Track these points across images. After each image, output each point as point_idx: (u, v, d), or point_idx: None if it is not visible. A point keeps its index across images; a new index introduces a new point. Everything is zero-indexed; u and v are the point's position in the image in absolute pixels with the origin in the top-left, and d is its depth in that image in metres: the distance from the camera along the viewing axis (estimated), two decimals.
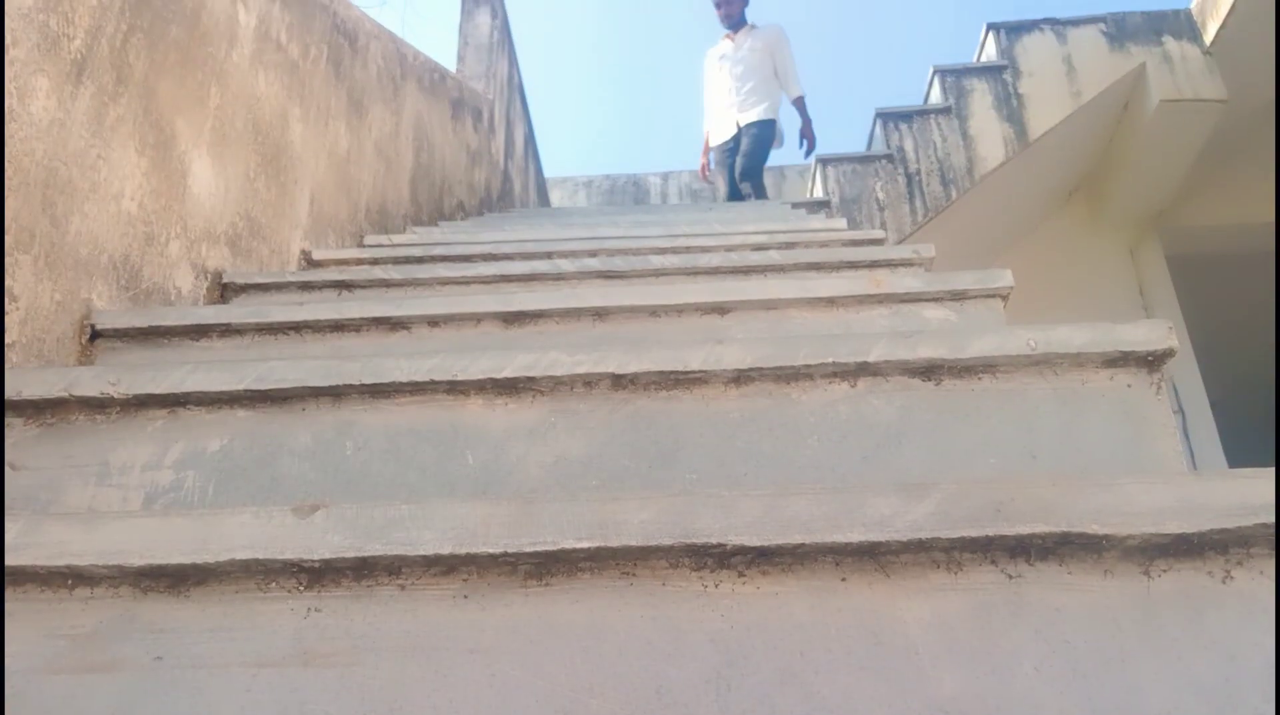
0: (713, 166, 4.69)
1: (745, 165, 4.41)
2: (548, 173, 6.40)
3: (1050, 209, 4.94)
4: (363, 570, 0.50)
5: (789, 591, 0.49)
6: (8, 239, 1.07)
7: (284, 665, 0.49)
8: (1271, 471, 0.48)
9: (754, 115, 4.44)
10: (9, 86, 1.09)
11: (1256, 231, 4.88)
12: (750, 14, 4.67)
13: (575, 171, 7.20)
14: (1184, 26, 4.28)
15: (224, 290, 1.57)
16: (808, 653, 0.46)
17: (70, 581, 0.51)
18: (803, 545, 0.49)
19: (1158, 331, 0.82)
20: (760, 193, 4.42)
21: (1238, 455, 4.42)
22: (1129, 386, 0.83)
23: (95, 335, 1.23)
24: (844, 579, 0.49)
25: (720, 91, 4.59)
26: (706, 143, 4.74)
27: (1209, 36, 4.13)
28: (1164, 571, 0.47)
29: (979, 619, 0.46)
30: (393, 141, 2.61)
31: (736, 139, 4.48)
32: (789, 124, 4.75)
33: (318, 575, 0.51)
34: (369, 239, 2.28)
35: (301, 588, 0.51)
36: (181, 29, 1.50)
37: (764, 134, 4.44)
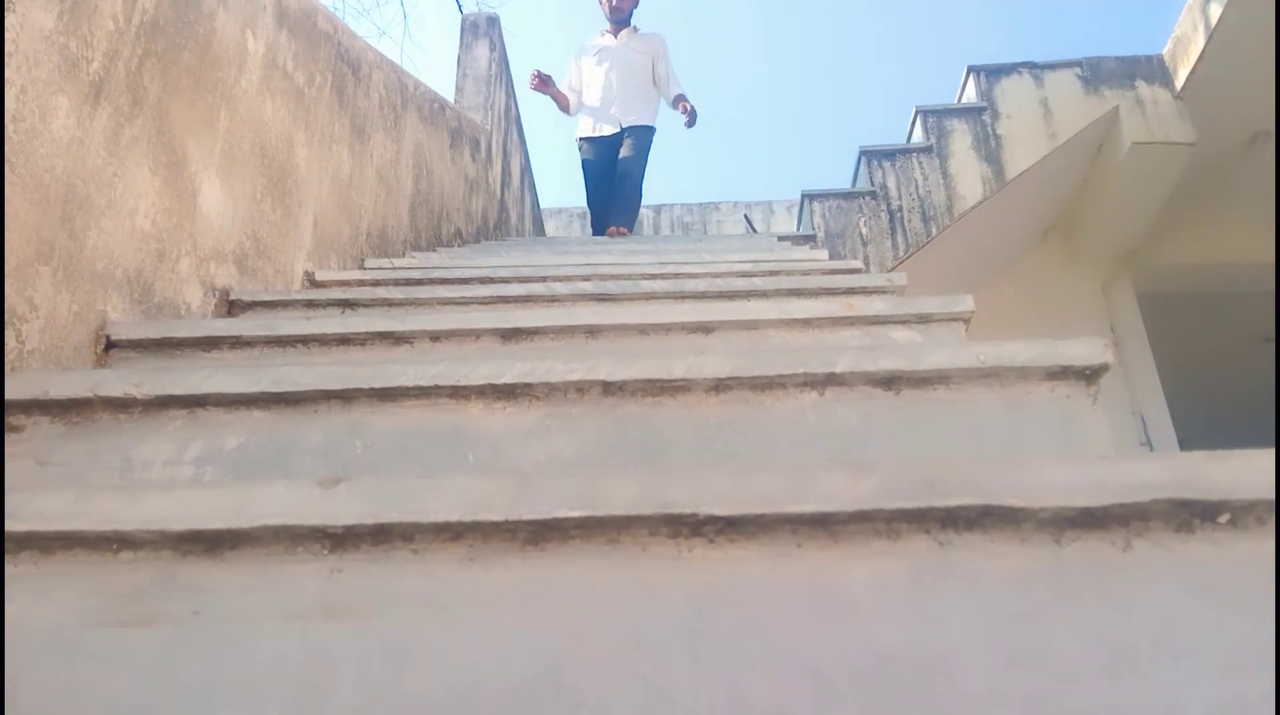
0: (586, 162, 4.66)
1: (630, 162, 4.49)
2: (543, 203, 6.50)
3: (1026, 246, 5.08)
4: (380, 536, 0.57)
5: (752, 556, 0.56)
6: (28, 250, 1.14)
7: (310, 618, 0.56)
8: (1168, 455, 0.56)
9: (637, 119, 4.56)
10: (32, 105, 1.16)
11: (1224, 271, 5.03)
12: (636, 18, 4.77)
13: (571, 203, 7.31)
14: (1156, 71, 4.44)
15: (231, 307, 1.64)
16: (767, 607, 0.53)
17: (116, 546, 0.58)
18: (764, 515, 0.56)
19: (1094, 348, 0.91)
20: (638, 193, 4.55)
21: None
22: (1068, 397, 0.91)
23: (110, 345, 1.29)
24: (799, 545, 0.56)
25: (597, 86, 4.62)
26: (561, 97, 4.68)
27: (1180, 81, 4.29)
28: (1073, 540, 0.55)
29: (914, 580, 0.54)
30: (393, 168, 2.70)
31: (618, 138, 4.55)
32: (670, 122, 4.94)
33: (340, 540, 0.58)
34: (370, 262, 2.36)
35: (326, 551, 0.58)
36: (193, 55, 1.58)
37: (647, 139, 4.58)
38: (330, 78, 2.19)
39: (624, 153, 4.53)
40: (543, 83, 4.53)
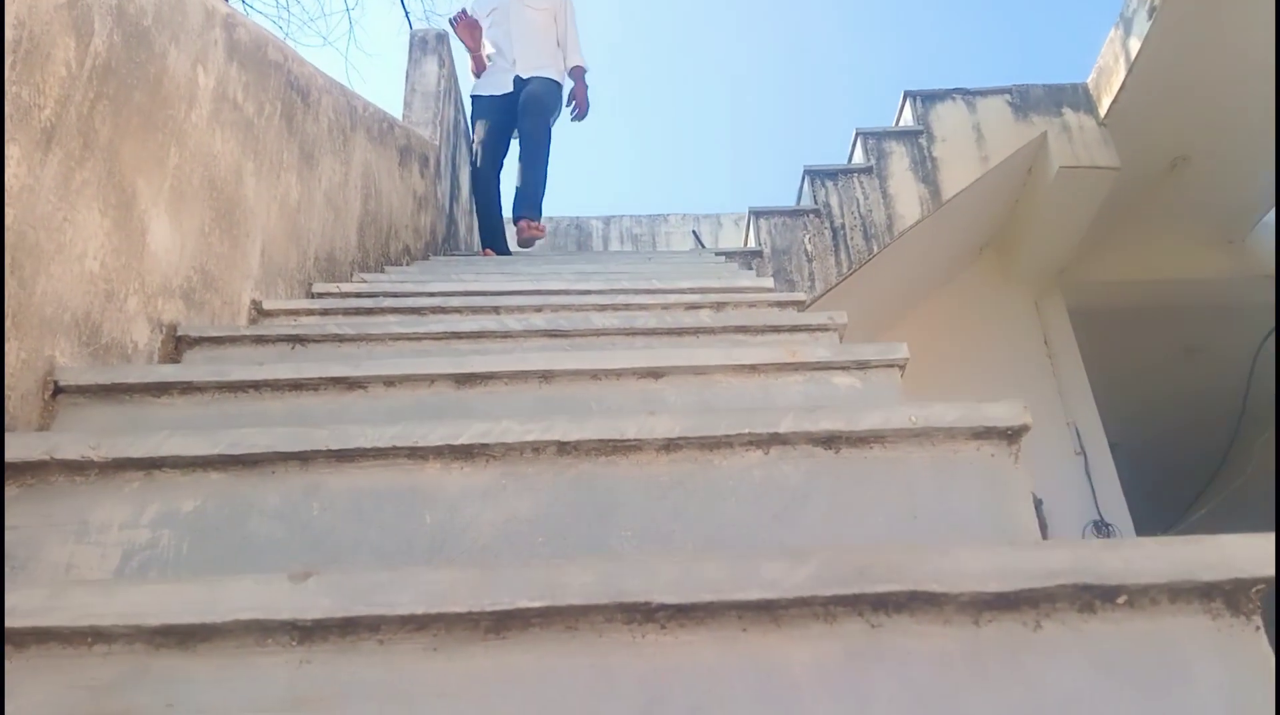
0: (480, 120, 4.15)
1: (531, 109, 3.97)
2: None
3: (963, 263, 5.24)
4: (348, 628, 0.60)
5: (701, 640, 0.60)
6: None
7: (279, 710, 0.58)
8: (1071, 542, 0.62)
9: (541, 71, 4.08)
10: None
11: (1150, 287, 5.27)
12: None
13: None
14: (1081, 99, 4.64)
15: (178, 343, 1.64)
16: (714, 690, 0.58)
17: (91, 639, 0.60)
18: (712, 602, 0.60)
19: (1014, 410, 0.97)
20: (543, 167, 4.03)
21: (1135, 493, 4.73)
22: (992, 456, 0.98)
23: (58, 391, 1.29)
24: (744, 629, 0.61)
25: (494, 40, 4.18)
26: (475, 61, 4.25)
27: (1103, 109, 4.49)
28: (989, 621, 0.60)
29: (848, 661, 0.59)
30: (341, 190, 2.70)
31: (515, 94, 4.04)
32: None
33: (309, 632, 0.61)
34: (317, 287, 2.36)
35: (295, 643, 0.60)
36: (144, 94, 1.58)
37: (552, 97, 4.08)
38: (280, 106, 2.19)
39: (526, 99, 3.98)
40: (469, 30, 4.13)
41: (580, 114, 4.19)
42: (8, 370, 1.20)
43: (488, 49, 4.18)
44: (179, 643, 0.60)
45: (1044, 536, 3.66)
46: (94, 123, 1.42)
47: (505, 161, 4.21)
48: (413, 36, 4.49)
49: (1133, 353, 5.61)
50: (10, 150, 1.22)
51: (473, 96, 4.24)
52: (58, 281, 1.32)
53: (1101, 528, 4.48)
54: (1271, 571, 0.62)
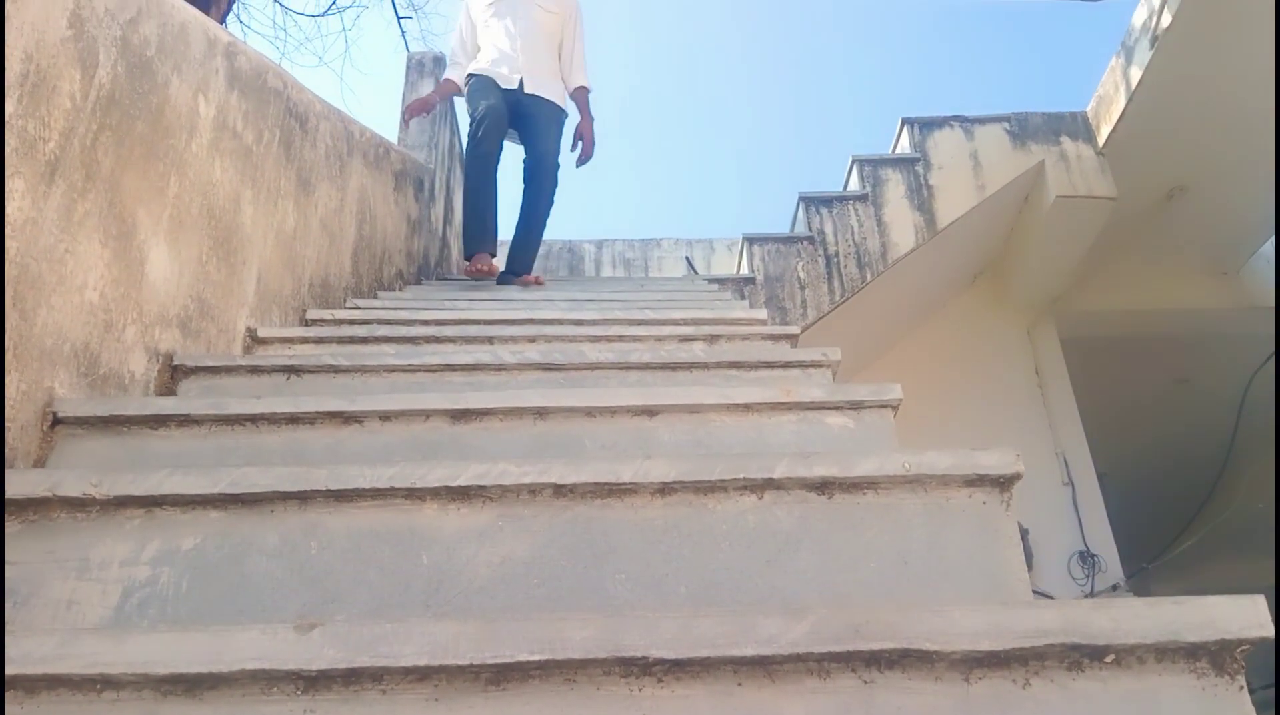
0: (479, 91, 3.65)
1: (546, 152, 3.64)
2: None
3: (957, 290, 5.28)
4: (351, 678, 0.61)
5: (697, 695, 0.62)
6: None
7: None
8: (1061, 602, 0.63)
9: (547, 91, 3.69)
10: None
11: (1143, 317, 5.30)
12: None
13: (511, 235, 7.26)
14: (1080, 128, 4.67)
15: (174, 372, 1.65)
16: None
17: (100, 686, 0.61)
18: (709, 658, 0.62)
19: (1007, 457, 0.99)
20: (551, 202, 3.71)
21: (1122, 523, 4.74)
22: (984, 503, 0.99)
23: (57, 422, 1.30)
24: (740, 684, 0.62)
25: (494, 39, 3.74)
26: (444, 88, 3.89)
27: (1102, 138, 4.52)
28: (980, 679, 0.62)
29: None
30: (337, 216, 2.71)
31: (519, 101, 3.63)
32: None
33: (313, 682, 0.62)
34: (311, 313, 2.37)
35: (299, 692, 0.61)
36: (146, 125, 1.59)
37: (559, 126, 3.73)
38: (279, 133, 2.21)
39: (533, 141, 3.64)
40: (422, 105, 3.82)
41: (586, 158, 3.80)
42: (8, 401, 1.21)
43: (487, 45, 3.75)
44: (186, 690, 0.61)
45: (1030, 568, 3.66)
46: (97, 154, 1.43)
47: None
48: (409, 60, 4.53)
49: (1123, 383, 5.64)
50: (15, 184, 1.23)
51: (471, 74, 3.73)
52: (58, 313, 1.33)
53: (1087, 558, 4.49)
54: (1256, 634, 0.63)
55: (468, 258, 3.63)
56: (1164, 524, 6.26)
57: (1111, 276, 5.25)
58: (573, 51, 3.84)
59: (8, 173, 1.21)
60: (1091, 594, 4.33)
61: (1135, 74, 4.21)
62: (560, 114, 3.75)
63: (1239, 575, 6.16)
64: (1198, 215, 4.90)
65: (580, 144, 3.79)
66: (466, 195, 3.73)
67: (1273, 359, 5.02)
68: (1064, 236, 4.67)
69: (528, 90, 3.66)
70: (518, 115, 3.66)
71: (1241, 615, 0.67)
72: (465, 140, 3.91)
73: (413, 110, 3.85)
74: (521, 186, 3.73)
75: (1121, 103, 4.31)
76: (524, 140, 3.74)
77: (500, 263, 3.69)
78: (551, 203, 3.72)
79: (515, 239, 3.70)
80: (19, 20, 1.23)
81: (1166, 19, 3.91)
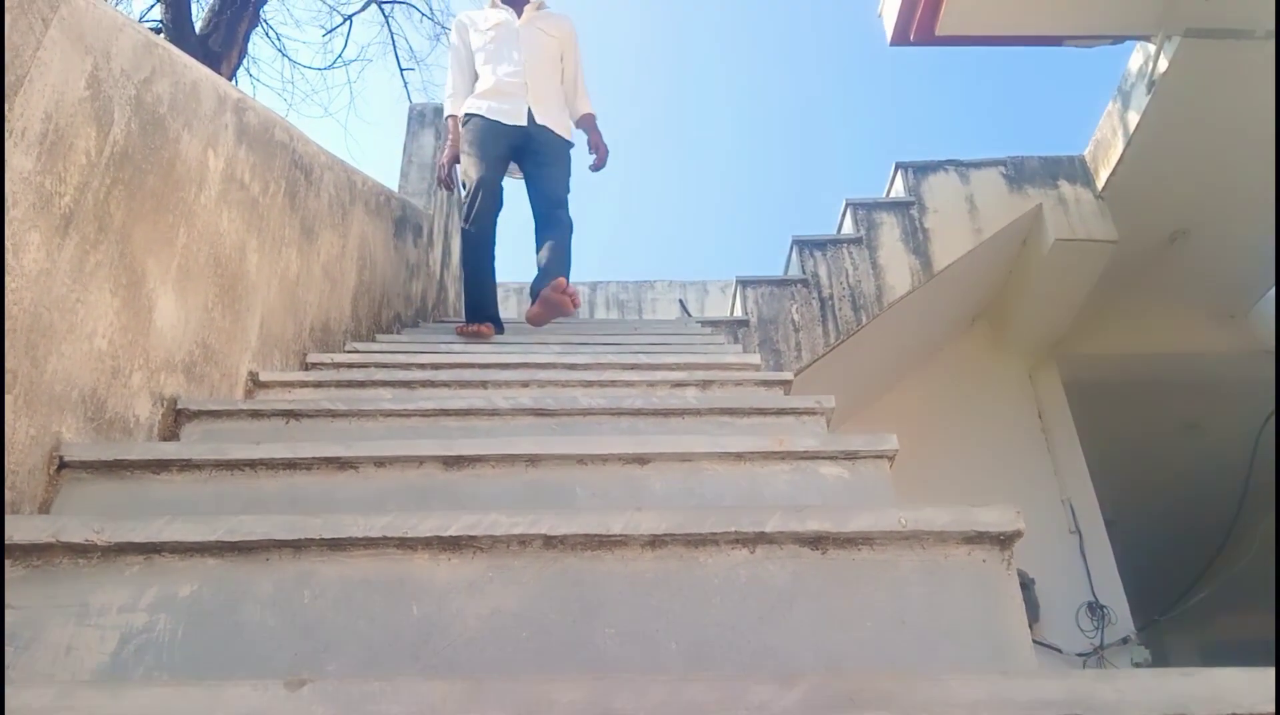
0: (476, 147, 3.32)
1: (559, 197, 3.40)
2: None
3: (955, 333, 5.28)
4: None
5: None
6: None
7: None
8: (1063, 673, 0.64)
9: (554, 124, 3.42)
10: (7, 243, 1.21)
11: (1148, 361, 5.26)
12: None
13: (506, 277, 7.29)
14: (1078, 172, 4.70)
15: (178, 416, 1.67)
16: None
17: None
18: None
19: (1007, 515, 1.00)
20: (571, 223, 3.41)
21: (1131, 573, 4.67)
22: (984, 561, 1.00)
23: (62, 466, 1.32)
24: None
25: (495, 67, 3.43)
26: (454, 130, 3.48)
27: (1101, 182, 4.54)
28: None
29: None
30: (339, 262, 2.75)
31: (526, 138, 3.36)
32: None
33: None
34: (311, 357, 2.39)
35: None
36: (158, 178, 1.63)
37: (568, 162, 3.50)
38: (284, 184, 2.25)
39: (542, 183, 3.38)
40: (449, 162, 3.48)
41: (600, 163, 3.61)
42: (18, 446, 1.23)
43: (486, 74, 3.45)
44: None
45: (1036, 619, 3.58)
46: (109, 207, 1.47)
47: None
48: (411, 110, 4.61)
49: (1131, 428, 5.56)
50: (31, 237, 1.26)
51: (468, 115, 3.39)
52: (68, 360, 1.35)
53: (1095, 610, 4.38)
54: (1266, 709, 0.64)
55: (470, 322, 3.25)
56: (1176, 574, 6.14)
57: (1115, 319, 5.23)
58: (575, 76, 3.62)
59: (25, 226, 1.24)
60: (1101, 647, 4.24)
61: (1133, 118, 4.24)
62: (568, 150, 3.51)
63: (1254, 628, 6.05)
64: (1201, 258, 4.88)
65: (596, 153, 3.61)
66: (464, 268, 3.38)
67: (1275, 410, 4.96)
68: (1064, 279, 4.67)
69: (539, 122, 3.38)
70: (526, 151, 3.38)
71: (1252, 690, 0.67)
72: (461, 197, 3.52)
73: (445, 183, 3.56)
74: (535, 228, 3.39)
75: (1120, 147, 4.34)
76: (532, 178, 3.41)
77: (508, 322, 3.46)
78: (571, 242, 3.40)
79: (544, 266, 3.26)
80: (41, 83, 1.27)
81: (1163, 64, 3.95)
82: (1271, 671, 0.70)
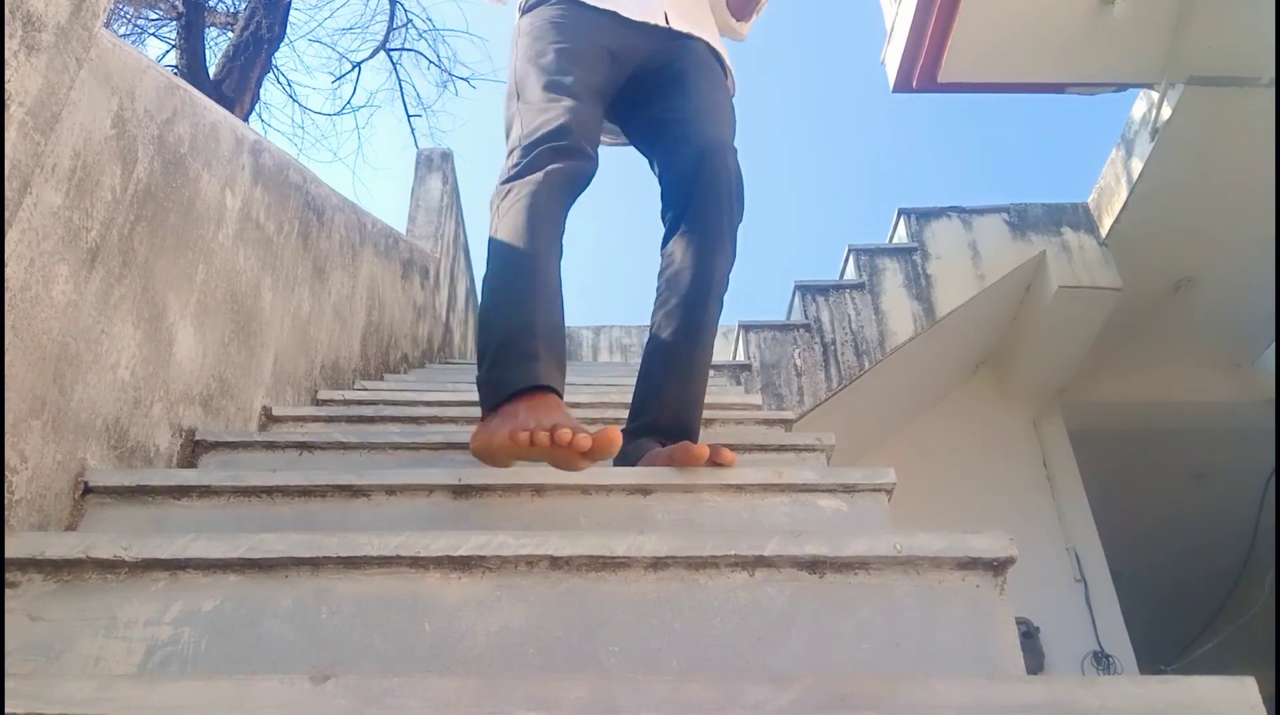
0: (553, 57, 1.66)
1: (720, 142, 1.67)
2: None
3: (957, 380, 5.29)
4: None
5: None
6: (23, 407, 1.22)
7: None
8: (1047, 678, 0.68)
9: (705, 31, 1.86)
10: (38, 275, 1.27)
11: (1154, 409, 5.24)
12: None
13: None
14: (1081, 219, 4.74)
15: (196, 447, 1.72)
16: None
17: None
18: None
19: (1000, 542, 1.04)
20: (743, 204, 1.69)
21: (1138, 623, 4.63)
22: (977, 586, 1.04)
23: (87, 491, 1.36)
24: None
25: None
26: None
27: (1104, 229, 4.56)
28: None
29: None
30: (348, 302, 2.82)
31: (659, 50, 1.78)
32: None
33: None
34: (322, 394, 2.45)
35: None
36: (178, 216, 1.70)
37: (729, 92, 1.86)
38: (298, 224, 2.33)
39: (689, 128, 1.68)
40: None
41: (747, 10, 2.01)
42: (45, 470, 1.27)
43: None
44: None
45: (1041, 668, 3.55)
46: (133, 243, 1.53)
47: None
48: (419, 155, 4.74)
49: (1137, 476, 5.51)
50: (59, 269, 1.32)
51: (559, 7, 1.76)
52: (93, 389, 1.41)
53: (1101, 659, 4.35)
54: None
55: (494, 403, 1.49)
56: (1182, 625, 6.07)
57: (1121, 367, 5.21)
58: None
59: (54, 259, 1.31)
60: None
61: (1136, 166, 4.27)
62: (725, 75, 1.87)
63: (1262, 682, 5.95)
64: (1207, 307, 4.89)
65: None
66: (500, 272, 1.58)
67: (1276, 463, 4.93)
68: (1068, 327, 4.68)
69: (677, 26, 1.81)
70: (654, 83, 1.78)
71: (1230, 697, 0.69)
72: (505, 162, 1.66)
73: None
74: (665, 228, 1.72)
75: (1123, 194, 4.37)
76: (661, 128, 1.75)
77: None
78: (734, 258, 1.71)
79: (666, 355, 1.69)
80: (70, 122, 1.34)
81: (1166, 112, 3.99)
82: (1249, 679, 0.73)
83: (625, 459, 1.52)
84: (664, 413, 1.66)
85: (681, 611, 1.03)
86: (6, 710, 0.66)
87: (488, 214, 1.63)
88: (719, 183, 1.64)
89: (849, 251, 4.74)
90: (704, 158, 1.64)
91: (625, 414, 2.13)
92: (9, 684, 0.68)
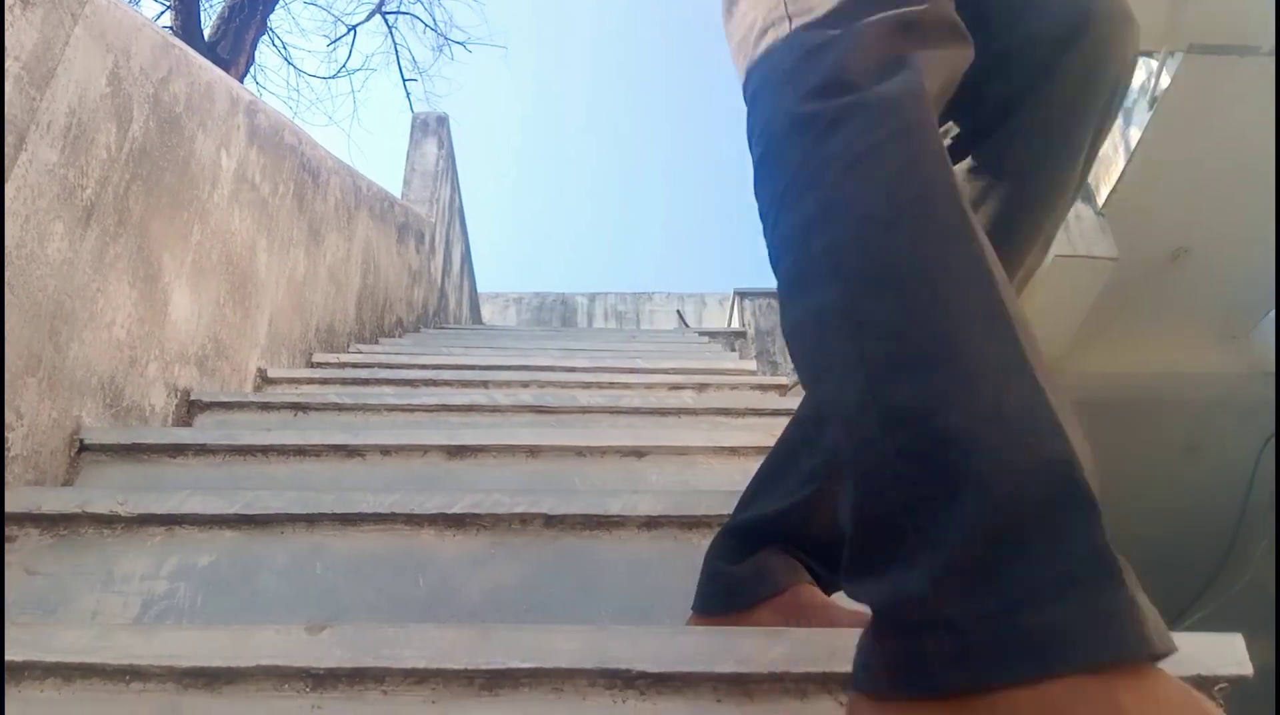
0: None
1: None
2: (481, 286, 6.63)
3: None
4: (355, 678, 0.68)
5: (677, 708, 0.67)
6: (19, 363, 1.22)
7: None
8: None
9: None
10: (33, 232, 1.26)
11: (1148, 381, 5.25)
12: None
13: (506, 286, 7.40)
14: None
15: (191, 407, 1.72)
16: None
17: (129, 678, 0.67)
18: (689, 673, 0.68)
19: None
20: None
21: None
22: None
23: (83, 448, 1.37)
24: (719, 700, 0.68)
25: None
26: None
27: (1101, 198, 4.53)
28: None
29: None
30: (344, 265, 2.81)
31: None
32: None
33: (321, 680, 0.68)
34: (317, 356, 2.45)
35: (308, 689, 0.68)
36: (174, 175, 1.69)
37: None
38: (293, 186, 2.31)
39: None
40: None
41: None
42: (40, 428, 1.28)
43: None
44: (206, 685, 0.67)
45: None
46: (128, 201, 1.53)
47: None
48: (414, 119, 4.69)
49: (1130, 449, 5.52)
50: (55, 227, 1.32)
51: None
52: (88, 347, 1.41)
53: None
54: (1233, 671, 0.68)
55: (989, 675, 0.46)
56: (1171, 596, 6.12)
57: (1115, 338, 5.20)
58: None
59: (50, 216, 1.30)
60: None
61: (1134, 134, 4.24)
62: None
63: (1253, 650, 6.04)
64: (1203, 277, 4.84)
65: None
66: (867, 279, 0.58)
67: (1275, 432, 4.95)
68: (1064, 297, 4.66)
69: None
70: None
71: (1218, 653, 0.71)
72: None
73: None
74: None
75: (1120, 163, 4.33)
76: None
77: None
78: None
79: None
80: (65, 79, 1.33)
81: (1165, 80, 3.96)
82: (1236, 636, 0.75)
83: None
84: None
85: (675, 569, 1.04)
86: (6, 658, 0.67)
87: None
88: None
89: None
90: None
91: (621, 378, 2.15)
92: (9, 633, 0.69)
